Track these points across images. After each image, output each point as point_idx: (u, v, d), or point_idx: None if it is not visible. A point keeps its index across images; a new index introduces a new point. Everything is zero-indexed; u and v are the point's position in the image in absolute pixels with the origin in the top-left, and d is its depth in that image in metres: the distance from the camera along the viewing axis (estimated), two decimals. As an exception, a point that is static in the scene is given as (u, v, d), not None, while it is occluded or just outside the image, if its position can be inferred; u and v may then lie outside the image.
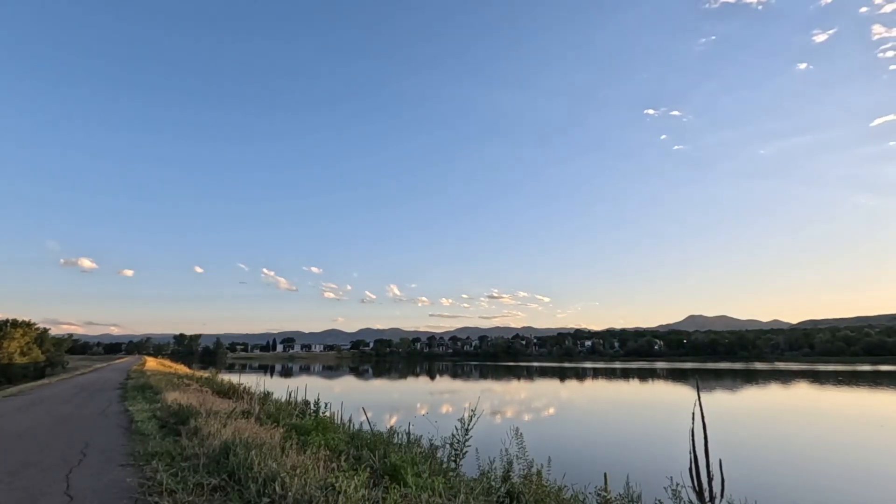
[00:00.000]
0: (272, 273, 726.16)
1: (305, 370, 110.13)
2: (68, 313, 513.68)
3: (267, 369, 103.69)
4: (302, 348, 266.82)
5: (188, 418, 9.43)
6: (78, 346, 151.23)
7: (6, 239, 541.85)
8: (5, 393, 21.69)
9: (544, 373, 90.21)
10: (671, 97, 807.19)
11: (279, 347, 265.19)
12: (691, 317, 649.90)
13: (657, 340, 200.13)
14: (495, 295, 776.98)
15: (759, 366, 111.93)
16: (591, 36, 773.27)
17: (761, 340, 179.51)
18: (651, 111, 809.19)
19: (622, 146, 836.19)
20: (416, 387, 61.85)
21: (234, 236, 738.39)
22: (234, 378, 22.16)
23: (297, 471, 5.20)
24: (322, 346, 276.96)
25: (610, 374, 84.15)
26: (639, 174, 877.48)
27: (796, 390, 51.78)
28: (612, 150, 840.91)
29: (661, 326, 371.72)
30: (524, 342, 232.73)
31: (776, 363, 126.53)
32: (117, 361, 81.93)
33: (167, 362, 61.26)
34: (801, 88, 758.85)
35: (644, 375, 78.62)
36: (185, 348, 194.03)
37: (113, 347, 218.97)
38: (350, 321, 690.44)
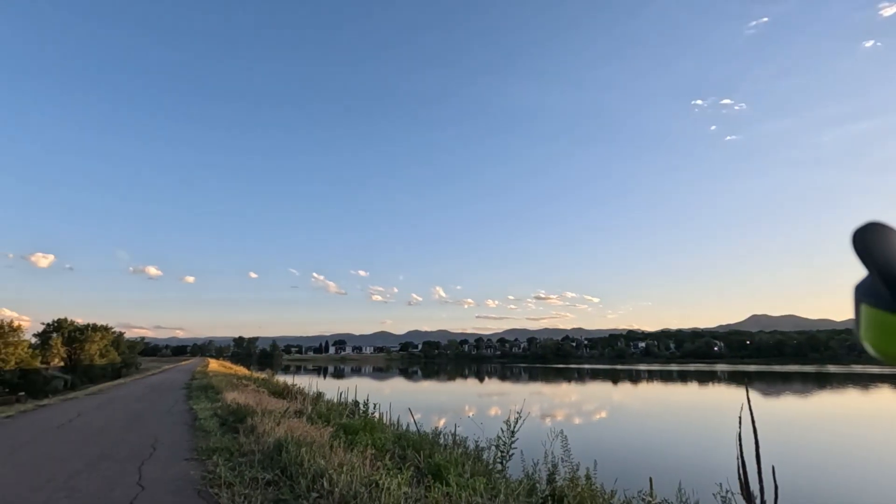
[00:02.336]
0: (321, 277, 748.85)
1: (356, 372, 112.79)
2: (139, 318, 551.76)
3: (320, 371, 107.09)
4: (353, 350, 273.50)
5: (245, 417, 9.98)
6: (149, 349, 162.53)
7: (82, 249, 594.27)
8: (87, 392, 23.67)
9: (596, 375, 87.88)
10: (720, 85, 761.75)
11: (331, 349, 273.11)
12: (754, 316, 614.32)
13: (717, 342, 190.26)
14: (542, 296, 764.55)
15: (832, 369, 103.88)
16: (628, 25, 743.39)
17: (835, 341, 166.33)
18: (699, 101, 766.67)
19: (669, 140, 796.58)
20: (464, 389, 61.95)
21: (285, 242, 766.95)
22: (288, 379, 23.13)
23: (344, 468, 5.41)
24: (372, 348, 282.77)
25: (666, 377, 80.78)
26: (688, 168, 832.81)
27: (877, 395, 47.72)
28: (657, 144, 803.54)
29: (720, 327, 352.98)
30: (574, 344, 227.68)
31: (852, 366, 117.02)
32: (183, 363, 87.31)
33: (228, 364, 64.55)
34: (866, 68, 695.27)
35: (703, 378, 74.92)
36: (243, 350, 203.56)
37: (179, 350, 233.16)
38: (398, 323, 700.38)
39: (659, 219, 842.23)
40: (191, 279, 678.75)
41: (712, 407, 39.71)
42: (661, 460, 17.26)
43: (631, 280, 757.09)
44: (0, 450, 8.38)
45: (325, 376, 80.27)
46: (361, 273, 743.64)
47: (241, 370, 46.71)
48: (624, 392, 54.20)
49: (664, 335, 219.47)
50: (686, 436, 24.35)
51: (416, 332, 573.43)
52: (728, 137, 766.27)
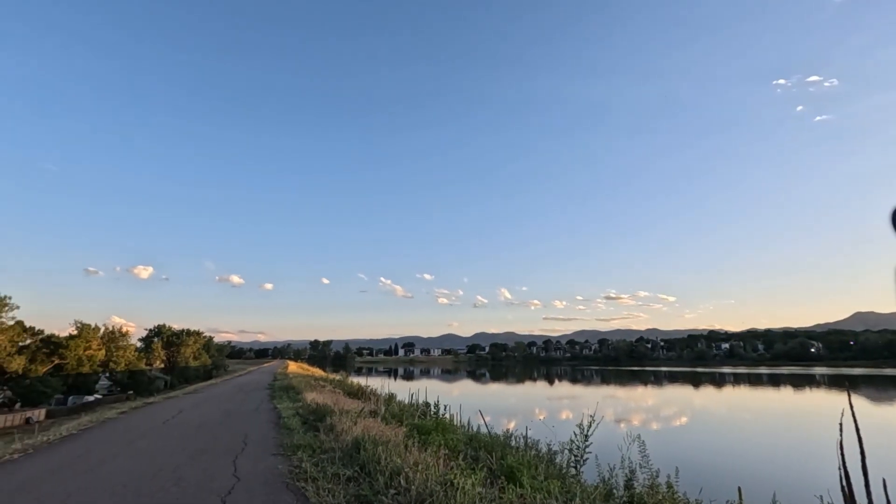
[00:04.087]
0: (389, 281, 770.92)
1: (425, 373, 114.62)
2: (225, 322, 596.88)
3: (390, 372, 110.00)
4: (421, 352, 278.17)
5: (324, 416, 10.53)
6: (234, 352, 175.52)
7: (176, 261, 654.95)
8: (185, 391, 25.99)
9: (674, 378, 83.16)
10: (806, 62, 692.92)
11: (400, 352, 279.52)
12: (859, 314, 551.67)
13: (814, 342, 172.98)
14: (612, 296, 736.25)
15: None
16: (698, 4, 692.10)
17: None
18: (782, 81, 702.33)
19: (750, 124, 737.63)
20: (534, 392, 61.03)
21: (353, 249, 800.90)
22: (361, 380, 24.01)
23: (419, 467, 5.58)
24: (440, 351, 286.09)
25: (754, 380, 74.79)
26: (773, 153, 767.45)
27: None
28: (737, 130, 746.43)
29: (817, 326, 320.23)
30: (649, 345, 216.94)
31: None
32: (265, 365, 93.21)
33: (305, 366, 68.10)
34: None
35: (798, 382, 68.54)
36: (319, 353, 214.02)
37: (261, 352, 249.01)
38: (464, 325, 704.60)
39: (741, 209, 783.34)
40: (269, 286, 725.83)
41: (809, 412, 36.26)
42: (752, 469, 16.06)
43: (710, 277, 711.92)
44: (120, 441, 9.50)
45: (395, 378, 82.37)
46: (427, 276, 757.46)
47: (317, 372, 49.07)
48: (707, 396, 50.87)
49: (751, 335, 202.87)
50: (779, 443, 22.45)
51: (482, 335, 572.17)
52: (818, 118, 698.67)
